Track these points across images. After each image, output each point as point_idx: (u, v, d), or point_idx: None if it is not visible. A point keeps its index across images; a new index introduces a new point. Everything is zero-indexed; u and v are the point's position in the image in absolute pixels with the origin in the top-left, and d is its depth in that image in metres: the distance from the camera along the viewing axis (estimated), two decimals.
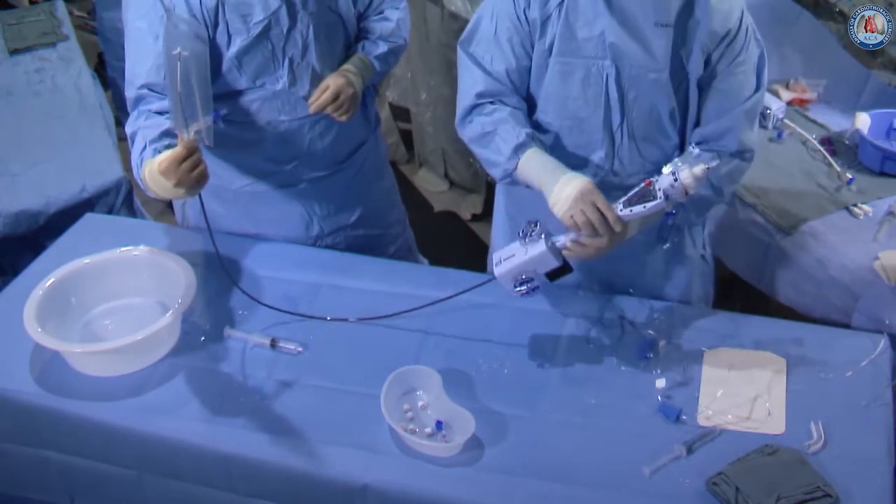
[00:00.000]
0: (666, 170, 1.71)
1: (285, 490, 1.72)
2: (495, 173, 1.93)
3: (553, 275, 1.80)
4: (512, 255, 1.81)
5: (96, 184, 2.59)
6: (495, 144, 1.89)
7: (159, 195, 1.91)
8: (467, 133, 1.96)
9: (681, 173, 1.68)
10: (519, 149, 1.86)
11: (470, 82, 1.94)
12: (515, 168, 1.87)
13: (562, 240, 1.79)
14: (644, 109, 1.88)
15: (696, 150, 1.69)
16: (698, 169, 1.67)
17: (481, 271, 2.17)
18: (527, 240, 1.79)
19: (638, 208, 1.71)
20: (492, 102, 1.92)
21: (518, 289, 1.81)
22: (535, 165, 1.85)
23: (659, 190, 1.69)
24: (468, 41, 1.94)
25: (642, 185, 1.72)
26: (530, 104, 1.97)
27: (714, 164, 1.70)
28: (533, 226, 1.78)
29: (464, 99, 1.95)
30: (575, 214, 1.76)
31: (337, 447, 1.71)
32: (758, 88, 1.88)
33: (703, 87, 1.88)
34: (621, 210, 1.73)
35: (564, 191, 1.78)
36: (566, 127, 1.93)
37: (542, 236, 1.77)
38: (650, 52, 1.82)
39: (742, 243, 2.39)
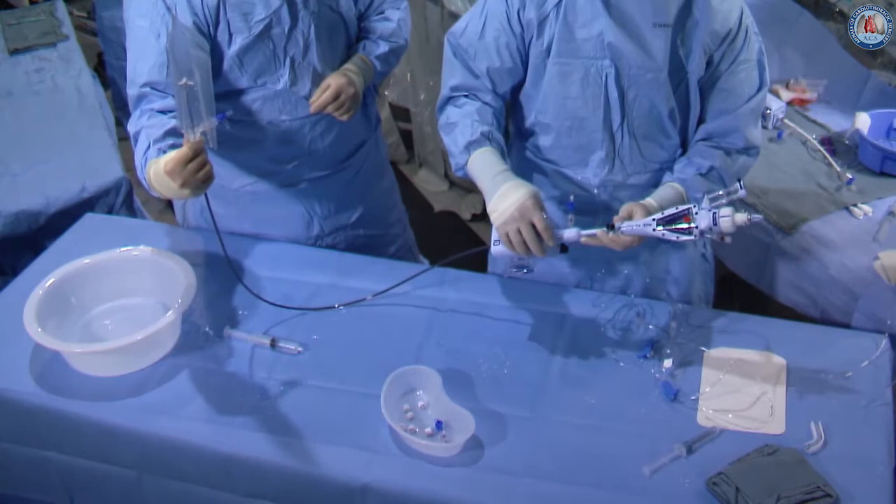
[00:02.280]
0: (704, 203, 1.66)
1: (285, 490, 1.72)
2: (452, 164, 1.93)
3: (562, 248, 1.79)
4: None
5: (96, 184, 2.58)
6: (454, 136, 1.90)
7: (164, 195, 1.90)
8: (440, 121, 1.98)
9: (721, 220, 1.63)
10: (470, 146, 1.86)
11: (449, 74, 1.96)
12: (466, 164, 1.88)
13: (566, 235, 1.77)
14: (644, 109, 1.88)
15: (743, 192, 1.63)
16: (740, 218, 1.63)
17: (482, 271, 2.18)
18: None
19: (670, 235, 1.67)
20: (466, 96, 1.94)
21: (514, 270, 1.80)
22: (481, 166, 1.84)
23: (696, 227, 1.65)
24: (456, 34, 1.96)
25: (681, 209, 1.67)
26: (517, 104, 1.98)
27: (758, 217, 1.63)
28: None
29: (442, 89, 1.98)
30: (510, 232, 1.73)
31: (337, 447, 1.71)
32: (761, 86, 1.89)
33: (706, 87, 1.88)
34: (654, 229, 1.68)
35: (503, 202, 1.74)
36: (566, 127, 1.93)
37: None
38: (648, 52, 1.82)
39: (742, 243, 2.39)
